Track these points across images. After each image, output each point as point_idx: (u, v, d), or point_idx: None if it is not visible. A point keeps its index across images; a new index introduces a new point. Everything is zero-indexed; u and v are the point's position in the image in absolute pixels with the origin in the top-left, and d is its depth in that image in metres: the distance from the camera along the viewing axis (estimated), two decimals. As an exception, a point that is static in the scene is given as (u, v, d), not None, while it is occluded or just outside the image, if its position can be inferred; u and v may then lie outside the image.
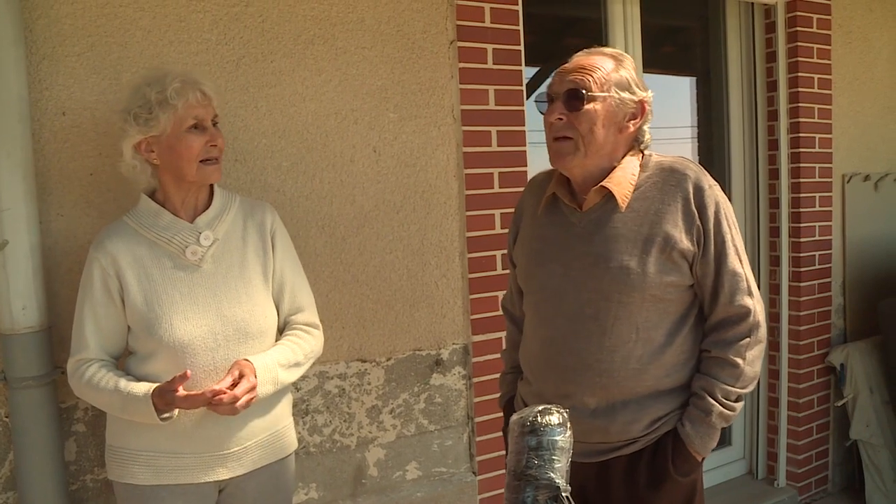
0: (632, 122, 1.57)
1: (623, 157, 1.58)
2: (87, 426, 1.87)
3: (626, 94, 1.54)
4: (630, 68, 1.58)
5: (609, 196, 1.55)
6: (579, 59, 1.58)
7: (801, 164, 3.20)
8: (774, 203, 3.28)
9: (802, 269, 3.24)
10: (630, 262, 1.51)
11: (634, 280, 1.50)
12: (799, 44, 3.16)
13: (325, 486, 2.21)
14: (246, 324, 1.63)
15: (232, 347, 1.61)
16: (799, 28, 3.16)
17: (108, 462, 1.67)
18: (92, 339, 1.61)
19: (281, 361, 1.65)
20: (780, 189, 3.24)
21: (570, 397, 1.57)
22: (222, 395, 1.49)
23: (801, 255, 3.24)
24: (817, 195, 3.28)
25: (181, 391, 1.48)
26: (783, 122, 3.20)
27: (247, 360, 1.59)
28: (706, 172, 1.58)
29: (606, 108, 1.52)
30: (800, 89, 3.18)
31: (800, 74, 3.17)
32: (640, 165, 1.59)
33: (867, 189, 3.49)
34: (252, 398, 1.55)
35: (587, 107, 1.50)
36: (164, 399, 1.50)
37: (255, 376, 1.57)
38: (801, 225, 3.23)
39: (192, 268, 1.63)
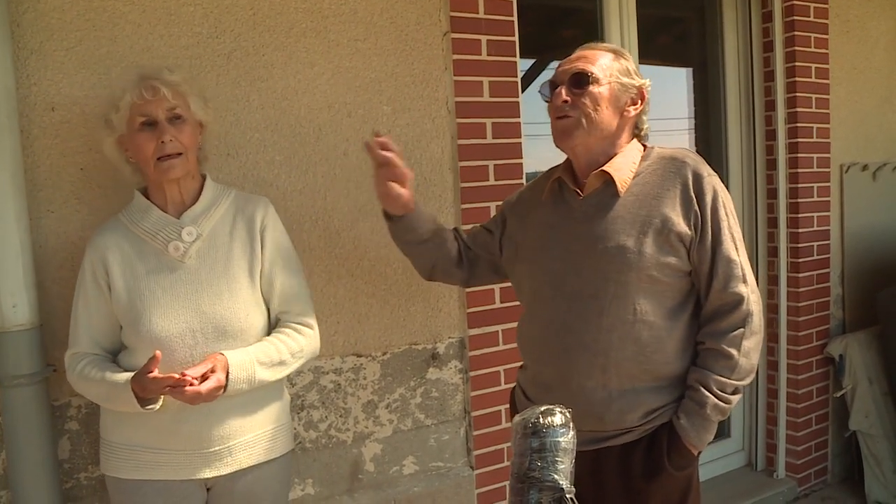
0: (632, 107, 1.64)
1: (625, 145, 1.64)
2: (80, 424, 1.86)
3: (626, 80, 1.61)
4: (629, 60, 1.66)
5: (609, 181, 1.60)
6: (580, 51, 1.66)
7: (799, 155, 3.19)
8: (772, 194, 3.27)
9: (801, 260, 3.23)
10: (627, 241, 1.54)
11: (631, 259, 1.53)
12: (796, 33, 3.14)
13: (321, 482, 2.20)
14: (225, 321, 1.59)
15: (210, 345, 1.57)
16: (796, 17, 3.14)
17: (100, 455, 1.69)
18: (84, 334, 1.62)
19: (261, 359, 1.60)
20: (777, 179, 3.22)
21: (569, 380, 1.58)
22: (185, 387, 1.44)
23: (800, 245, 3.23)
24: (815, 185, 3.27)
25: (156, 372, 1.44)
26: (780, 112, 3.18)
27: (222, 353, 1.55)
28: (705, 162, 1.62)
29: (610, 91, 1.59)
30: (797, 79, 3.16)
31: (797, 64, 3.15)
32: (643, 156, 1.64)
33: (865, 179, 3.48)
34: (216, 396, 1.50)
35: (591, 88, 1.58)
36: (140, 383, 1.48)
37: (228, 373, 1.53)
38: (800, 215, 3.21)
39: (175, 264, 1.61)
